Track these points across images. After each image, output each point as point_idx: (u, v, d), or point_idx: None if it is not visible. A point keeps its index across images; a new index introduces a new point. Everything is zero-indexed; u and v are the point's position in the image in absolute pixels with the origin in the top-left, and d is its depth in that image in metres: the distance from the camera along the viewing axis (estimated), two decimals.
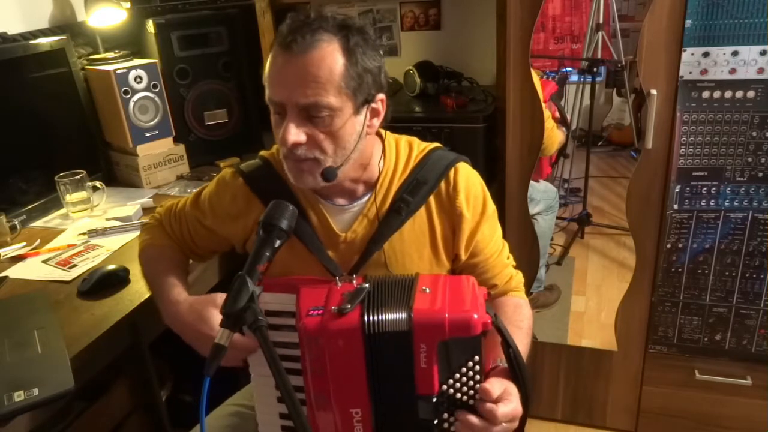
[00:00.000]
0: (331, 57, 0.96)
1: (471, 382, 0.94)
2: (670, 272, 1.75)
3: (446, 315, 0.91)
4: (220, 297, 1.02)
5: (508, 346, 0.98)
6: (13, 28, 1.77)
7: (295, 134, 0.98)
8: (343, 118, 0.99)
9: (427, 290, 0.96)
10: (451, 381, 0.94)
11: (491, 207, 1.17)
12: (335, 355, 0.93)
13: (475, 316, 0.90)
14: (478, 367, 0.93)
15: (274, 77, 0.99)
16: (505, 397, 0.94)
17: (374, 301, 0.94)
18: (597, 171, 3.25)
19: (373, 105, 1.04)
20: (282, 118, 1.00)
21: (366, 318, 0.92)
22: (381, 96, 1.05)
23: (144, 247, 1.26)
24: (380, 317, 0.92)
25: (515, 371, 0.98)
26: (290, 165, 1.04)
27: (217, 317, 0.93)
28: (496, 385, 0.94)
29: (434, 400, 0.94)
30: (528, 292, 2.02)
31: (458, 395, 0.94)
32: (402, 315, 0.91)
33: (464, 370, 0.93)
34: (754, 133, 1.56)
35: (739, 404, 1.83)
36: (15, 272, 1.45)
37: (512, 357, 0.98)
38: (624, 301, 1.85)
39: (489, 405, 0.92)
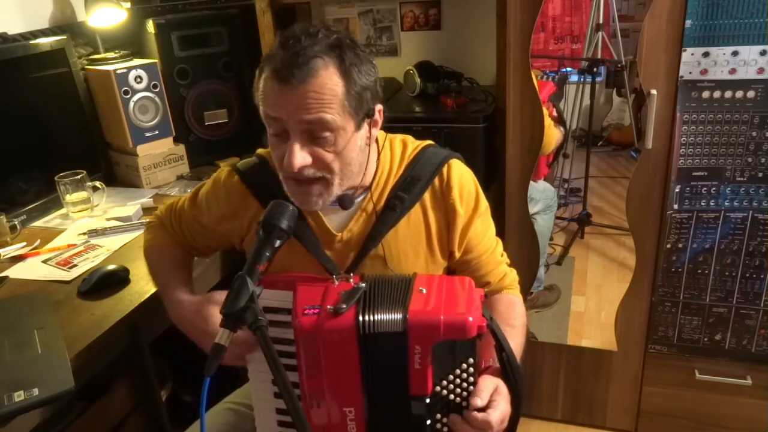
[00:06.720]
0: (331, 81, 0.95)
1: (465, 384, 0.94)
2: (670, 272, 1.75)
3: (441, 317, 0.90)
4: (219, 294, 1.03)
5: (501, 349, 0.98)
6: (13, 28, 1.77)
7: (302, 157, 0.96)
8: (346, 137, 0.99)
9: (424, 290, 0.96)
10: (444, 382, 0.94)
11: (484, 203, 1.17)
12: (330, 354, 0.93)
13: (471, 318, 0.90)
14: (472, 369, 0.93)
15: (273, 101, 0.97)
16: (494, 398, 0.95)
17: (370, 301, 0.94)
18: (597, 171, 3.25)
19: (373, 117, 1.04)
20: (281, 140, 0.99)
21: (361, 318, 0.91)
22: (379, 107, 1.05)
23: (147, 246, 1.28)
24: (375, 317, 0.92)
25: (508, 375, 0.98)
26: (294, 187, 1.02)
27: (216, 314, 0.93)
28: (488, 384, 0.95)
29: (427, 401, 0.94)
30: (528, 292, 2.04)
31: (451, 396, 0.95)
32: (397, 316, 0.91)
33: (458, 372, 0.93)
34: (754, 133, 1.56)
35: (739, 404, 1.83)
36: (15, 272, 1.45)
37: (505, 361, 0.98)
38: (624, 301, 1.85)
39: (482, 415, 0.92)
